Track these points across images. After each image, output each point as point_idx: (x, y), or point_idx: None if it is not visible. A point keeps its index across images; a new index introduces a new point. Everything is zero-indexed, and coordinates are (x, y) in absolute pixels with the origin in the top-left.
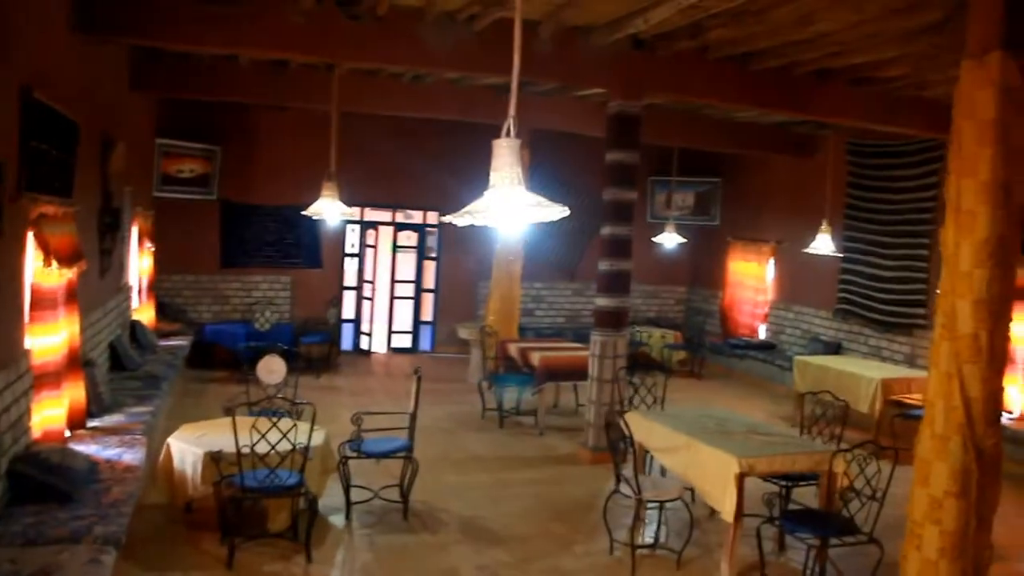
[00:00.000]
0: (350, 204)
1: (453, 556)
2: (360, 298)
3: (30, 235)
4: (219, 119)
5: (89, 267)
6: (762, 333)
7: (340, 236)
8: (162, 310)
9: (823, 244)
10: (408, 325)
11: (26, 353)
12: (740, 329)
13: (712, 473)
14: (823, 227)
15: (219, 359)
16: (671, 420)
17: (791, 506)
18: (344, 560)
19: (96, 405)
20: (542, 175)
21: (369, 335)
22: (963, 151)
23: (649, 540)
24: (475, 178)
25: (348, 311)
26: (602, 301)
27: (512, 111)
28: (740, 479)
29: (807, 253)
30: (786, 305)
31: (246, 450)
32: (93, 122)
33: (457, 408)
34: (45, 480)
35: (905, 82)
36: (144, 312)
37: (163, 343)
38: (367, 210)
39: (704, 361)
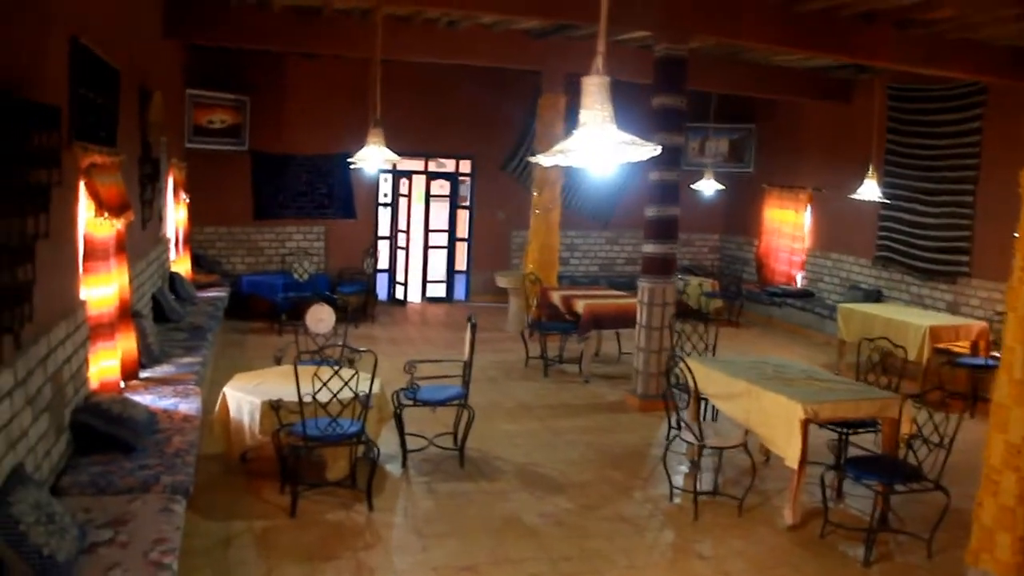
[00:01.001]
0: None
1: (514, 503)
2: (394, 248)
3: (81, 185)
4: (249, 68)
5: (134, 218)
6: (799, 281)
7: (374, 186)
8: (197, 262)
9: (869, 190)
10: (442, 275)
11: (82, 304)
12: (776, 277)
13: (775, 419)
14: (870, 173)
15: (256, 310)
16: (728, 367)
17: (852, 453)
18: (405, 508)
19: (146, 356)
20: (576, 122)
21: (404, 285)
22: None
23: (707, 487)
24: (508, 125)
25: (383, 261)
26: (650, 248)
27: (600, 47)
28: (805, 425)
29: (846, 200)
30: (824, 253)
31: (307, 399)
32: (132, 71)
33: (500, 357)
34: (108, 430)
35: (952, 24)
36: (181, 264)
37: (201, 295)
38: (400, 159)
39: (742, 309)
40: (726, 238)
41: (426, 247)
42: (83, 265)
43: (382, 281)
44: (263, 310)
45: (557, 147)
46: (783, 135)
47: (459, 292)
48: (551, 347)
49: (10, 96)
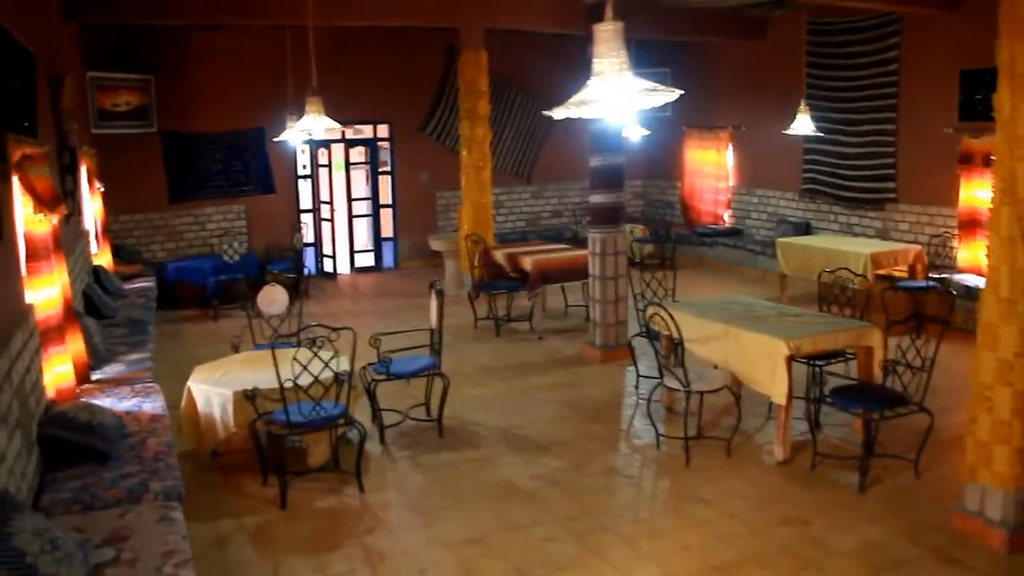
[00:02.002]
0: (292, 122)
1: (504, 468)
2: (318, 220)
3: (15, 180)
4: (150, 46)
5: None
6: (726, 219)
7: (291, 158)
8: (116, 253)
9: (802, 125)
10: (369, 243)
11: (30, 308)
12: (703, 217)
13: (757, 358)
14: (801, 107)
15: (185, 297)
16: (699, 310)
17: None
18: (396, 485)
19: (94, 358)
20: (493, 75)
21: (332, 257)
22: (1016, 13)
23: (689, 432)
24: (422, 86)
25: (307, 235)
26: (597, 198)
27: None
28: (789, 361)
29: (768, 136)
30: (749, 190)
31: (287, 384)
32: (43, 54)
33: (447, 321)
34: (79, 440)
35: None
36: (103, 256)
37: (128, 287)
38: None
39: (674, 253)
40: (648, 183)
41: (350, 216)
42: (26, 265)
43: (308, 255)
44: (192, 296)
45: (574, 98)
46: (699, 77)
47: (388, 259)
48: (497, 307)
49: None
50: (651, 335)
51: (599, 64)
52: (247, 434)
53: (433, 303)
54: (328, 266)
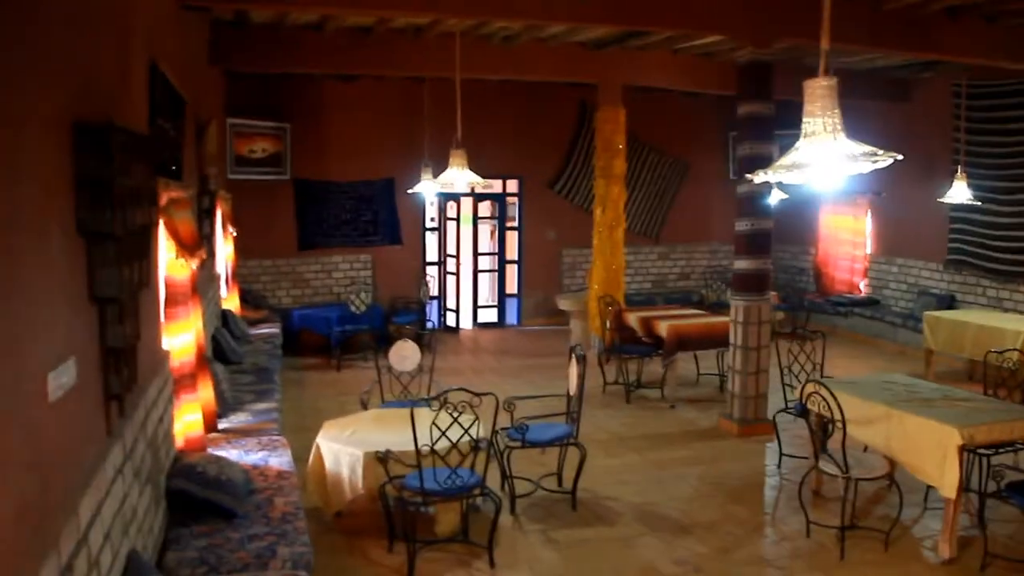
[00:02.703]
0: (426, 174)
1: (644, 550)
2: (443, 273)
3: (160, 223)
4: (287, 95)
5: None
6: (862, 289)
7: (420, 210)
8: (243, 297)
9: (958, 192)
10: (492, 299)
11: (167, 355)
12: (836, 285)
13: (923, 445)
14: (958, 175)
15: (309, 344)
16: (858, 388)
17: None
18: (529, 563)
19: (221, 405)
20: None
21: (456, 311)
22: None
23: (837, 520)
24: (553, 142)
25: (434, 288)
26: (742, 264)
27: (824, 43)
28: (961, 451)
29: (910, 203)
30: (888, 258)
31: (424, 448)
32: (191, 99)
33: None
34: (207, 496)
35: None
36: (231, 301)
37: (253, 332)
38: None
39: (807, 322)
40: (780, 247)
41: (475, 271)
42: (164, 311)
43: (432, 308)
44: (315, 344)
45: (781, 161)
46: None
47: (511, 316)
48: (628, 371)
49: (112, 126)
50: (801, 412)
51: (811, 124)
52: (373, 496)
53: (573, 368)
54: (451, 320)
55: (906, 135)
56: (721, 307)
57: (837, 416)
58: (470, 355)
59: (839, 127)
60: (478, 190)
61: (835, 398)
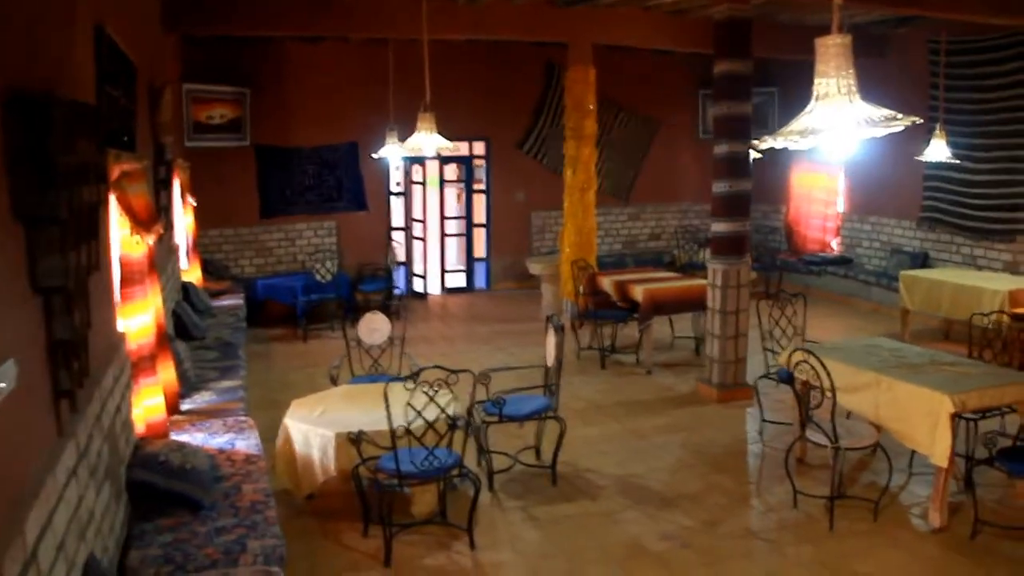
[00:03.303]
0: (392, 138)
1: (628, 525)
2: (410, 238)
3: (112, 199)
4: (246, 58)
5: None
6: (835, 247)
7: (384, 174)
8: (204, 268)
9: (937, 151)
10: (460, 263)
11: (122, 338)
12: (808, 244)
13: (914, 413)
14: (937, 132)
15: (274, 315)
16: (842, 354)
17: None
18: (511, 542)
19: (184, 385)
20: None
21: (423, 277)
22: None
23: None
24: (521, 103)
25: (399, 253)
26: (720, 226)
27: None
28: (954, 418)
29: (881, 161)
30: (861, 216)
31: (399, 429)
32: (143, 66)
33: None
34: (171, 487)
35: None
36: (192, 272)
37: (216, 304)
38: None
39: (780, 282)
40: (752, 207)
41: (442, 235)
42: (120, 291)
43: (399, 274)
44: (281, 315)
45: (791, 126)
46: (808, 96)
47: (480, 280)
48: (603, 336)
49: (53, 96)
50: (785, 379)
51: (823, 85)
52: (346, 476)
53: (551, 338)
54: (419, 286)
55: (882, 91)
56: (693, 268)
57: (827, 385)
58: (439, 322)
59: (854, 88)
60: (446, 154)
61: (824, 367)
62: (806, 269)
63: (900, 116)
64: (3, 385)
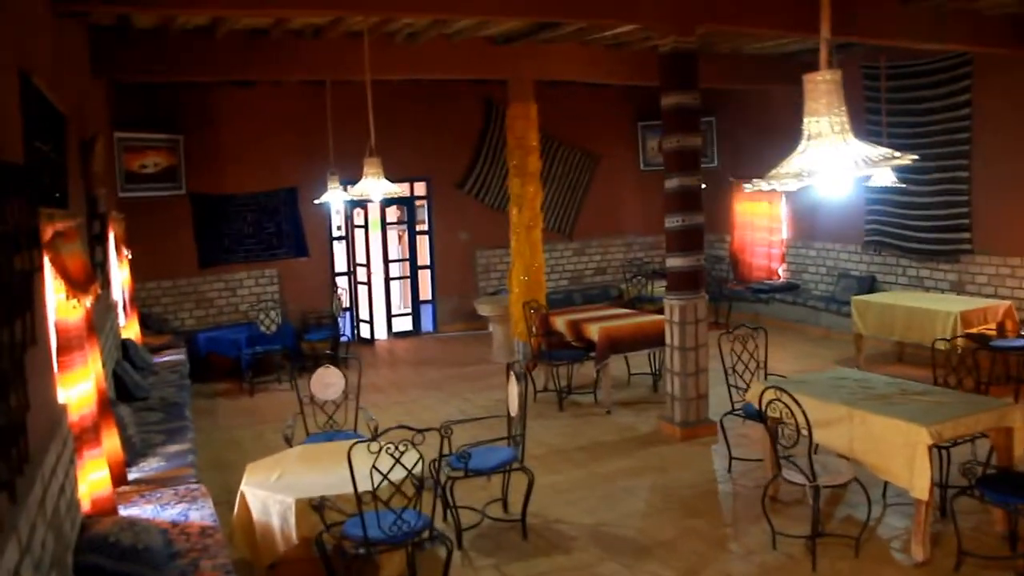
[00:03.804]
0: (333, 182)
1: None
2: (354, 283)
3: (46, 261)
4: (178, 104)
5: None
6: (781, 274)
7: (325, 219)
8: (143, 322)
9: (882, 175)
10: (407, 307)
11: (63, 410)
12: (755, 272)
13: (890, 446)
14: None
15: (217, 369)
16: (810, 388)
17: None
18: None
19: (129, 452)
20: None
21: (370, 322)
22: None
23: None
24: (460, 141)
25: (346, 299)
26: (675, 261)
27: (825, 32)
28: (930, 450)
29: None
30: (805, 243)
31: (365, 496)
32: (72, 115)
33: (501, 393)
34: (123, 570)
35: None
36: (130, 328)
37: (157, 360)
38: (349, 187)
39: (729, 311)
40: None
41: (387, 278)
42: (58, 360)
43: (344, 320)
44: (225, 368)
45: (785, 168)
46: (746, 125)
47: (426, 323)
48: (559, 377)
49: None
50: (752, 416)
51: (816, 124)
52: (308, 543)
53: (513, 387)
54: (365, 331)
55: None
56: (642, 302)
57: (802, 422)
58: (388, 369)
59: (847, 126)
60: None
61: (798, 404)
62: (754, 297)
63: (897, 155)
64: None
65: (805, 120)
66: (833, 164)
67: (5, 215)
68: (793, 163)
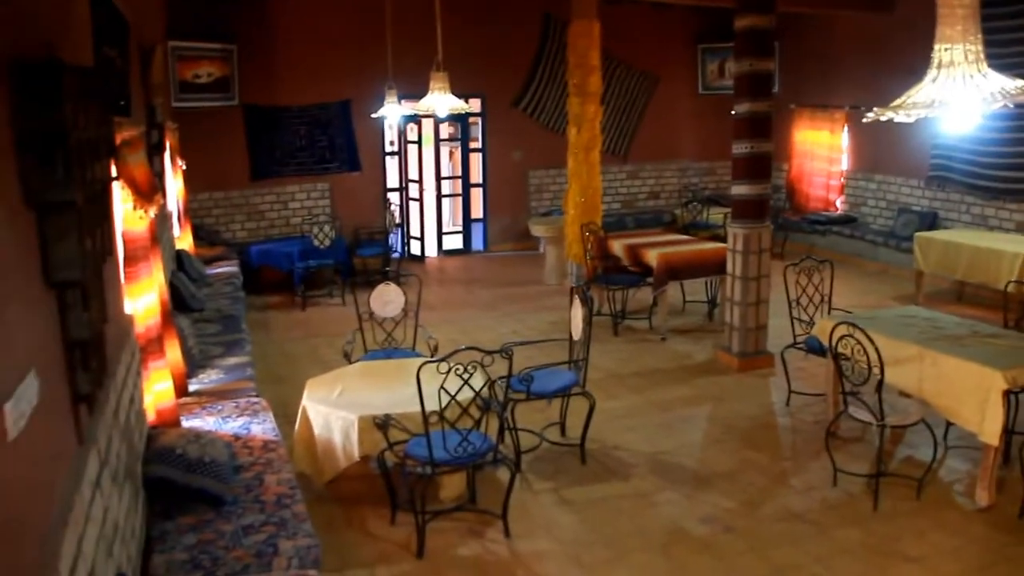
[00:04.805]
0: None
1: (666, 507)
2: (406, 199)
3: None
4: (232, 13)
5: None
6: (839, 206)
7: (379, 134)
8: (195, 233)
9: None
10: (457, 224)
11: (131, 321)
12: (811, 203)
13: (963, 390)
14: None
15: (269, 282)
16: (880, 326)
17: None
18: (547, 528)
19: (189, 364)
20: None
21: (420, 239)
22: None
23: (865, 468)
24: (516, 59)
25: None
26: (741, 189)
27: None
28: (1006, 396)
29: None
30: (866, 175)
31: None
32: (135, 23)
33: (556, 315)
34: (190, 482)
35: None
36: (184, 239)
37: (210, 272)
38: (404, 102)
39: (785, 242)
40: None
41: (439, 196)
42: (125, 271)
43: (395, 236)
44: (276, 281)
45: (909, 97)
46: (811, 51)
47: (477, 242)
48: (614, 301)
49: (61, 63)
50: (817, 350)
51: (948, 52)
52: (365, 459)
53: (577, 310)
54: (416, 249)
55: (887, 47)
56: (697, 229)
57: (874, 360)
58: (440, 287)
59: (982, 56)
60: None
61: (871, 341)
62: (810, 229)
63: None
64: (27, 402)
65: (936, 46)
66: (967, 96)
67: (87, 121)
68: (923, 92)
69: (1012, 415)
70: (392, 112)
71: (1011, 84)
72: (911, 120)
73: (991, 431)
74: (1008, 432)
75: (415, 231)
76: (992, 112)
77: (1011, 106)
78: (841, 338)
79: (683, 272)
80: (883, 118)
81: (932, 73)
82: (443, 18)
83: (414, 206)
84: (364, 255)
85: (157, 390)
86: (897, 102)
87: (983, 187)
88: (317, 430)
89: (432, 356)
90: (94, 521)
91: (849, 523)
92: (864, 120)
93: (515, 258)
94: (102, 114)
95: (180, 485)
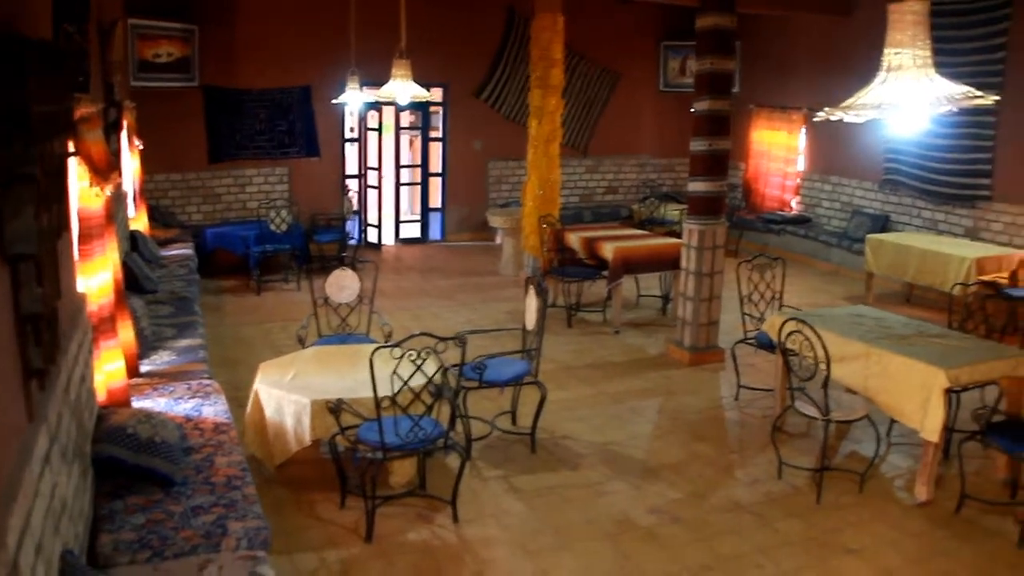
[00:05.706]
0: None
1: (614, 497)
2: (364, 187)
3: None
4: None
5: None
6: (794, 206)
7: (338, 120)
8: (150, 214)
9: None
10: (415, 213)
11: (83, 299)
12: (766, 203)
13: (905, 386)
14: None
15: (224, 265)
16: (828, 323)
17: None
18: (495, 515)
19: (141, 345)
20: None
21: (378, 226)
22: None
23: (808, 462)
24: (479, 49)
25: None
26: (698, 185)
27: None
28: (947, 394)
29: (844, 121)
30: (821, 176)
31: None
32: None
33: (510, 306)
34: (140, 462)
35: None
36: (139, 220)
37: (165, 253)
38: (366, 89)
39: (739, 239)
40: None
41: (397, 184)
42: (79, 248)
43: (352, 223)
44: (231, 265)
45: (859, 98)
46: (771, 52)
47: (434, 231)
48: (569, 293)
49: (22, 36)
50: (763, 344)
51: (895, 56)
52: (316, 443)
53: (532, 300)
54: (372, 236)
55: (845, 50)
56: (654, 224)
57: (821, 356)
58: (395, 275)
59: (930, 61)
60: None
61: (819, 337)
62: (765, 228)
63: (979, 94)
64: None
65: (886, 51)
66: (914, 99)
67: (47, 96)
68: (872, 94)
69: (953, 413)
70: (353, 98)
71: (957, 89)
72: (860, 121)
73: (932, 428)
74: (948, 430)
75: (373, 219)
76: (941, 118)
77: (956, 110)
78: (790, 334)
79: (638, 266)
80: (833, 118)
81: (881, 76)
82: (407, 5)
83: (372, 194)
84: (321, 241)
85: (108, 370)
86: (847, 103)
87: (933, 192)
88: (269, 413)
89: (386, 342)
90: (43, 496)
91: (792, 515)
92: (815, 119)
93: (472, 248)
94: (62, 89)
95: (130, 465)
